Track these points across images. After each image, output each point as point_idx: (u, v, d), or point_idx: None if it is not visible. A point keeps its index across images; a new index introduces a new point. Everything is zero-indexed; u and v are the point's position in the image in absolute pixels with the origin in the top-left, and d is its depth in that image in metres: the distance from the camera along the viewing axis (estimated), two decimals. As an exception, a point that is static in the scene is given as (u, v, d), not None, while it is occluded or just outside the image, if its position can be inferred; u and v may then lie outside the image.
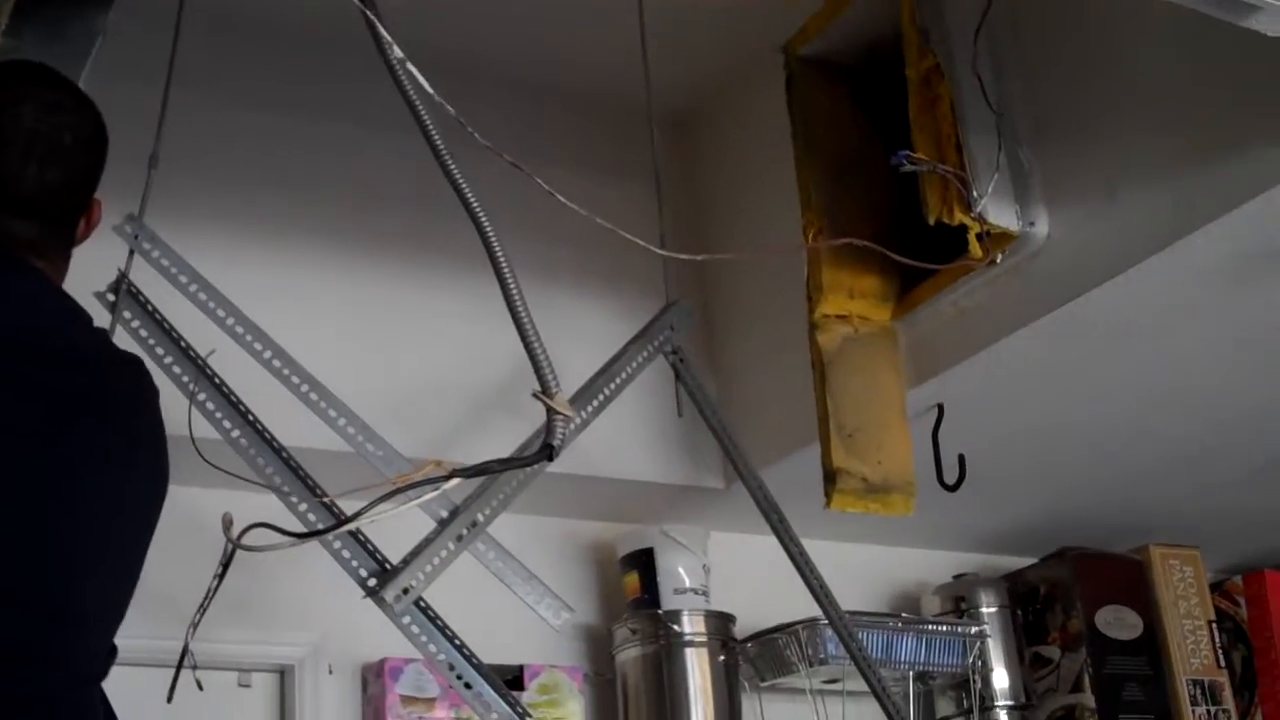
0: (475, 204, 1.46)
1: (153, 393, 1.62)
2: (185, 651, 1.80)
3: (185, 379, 1.84)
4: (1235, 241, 2.01)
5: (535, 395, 1.69)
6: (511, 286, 1.58)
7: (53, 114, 1.56)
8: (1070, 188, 2.17)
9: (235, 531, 1.56)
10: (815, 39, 2.46)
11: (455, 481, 1.71)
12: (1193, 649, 3.06)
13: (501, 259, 1.54)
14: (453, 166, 1.44)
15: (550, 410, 1.70)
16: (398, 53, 1.40)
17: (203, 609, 1.77)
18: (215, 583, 1.75)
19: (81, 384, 1.50)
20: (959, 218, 2.15)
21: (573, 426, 1.93)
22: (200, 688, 1.85)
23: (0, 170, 1.52)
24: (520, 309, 1.59)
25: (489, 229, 1.51)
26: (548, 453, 1.76)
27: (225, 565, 1.72)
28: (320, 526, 1.80)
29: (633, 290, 2.55)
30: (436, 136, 1.42)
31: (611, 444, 2.53)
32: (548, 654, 2.60)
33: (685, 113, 2.83)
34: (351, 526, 1.73)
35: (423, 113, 1.40)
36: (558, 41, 2.59)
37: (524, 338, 1.62)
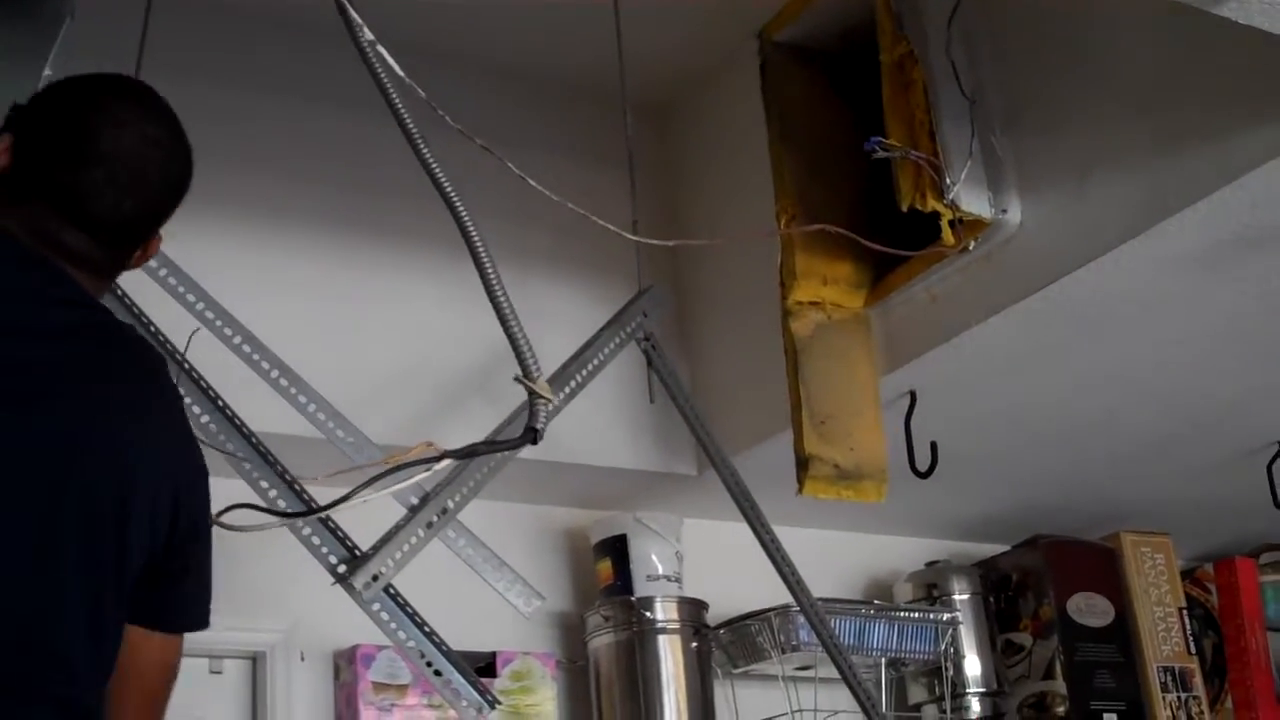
0: (449, 187, 1.46)
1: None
2: None
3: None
4: (1207, 229, 2.02)
5: (517, 379, 1.69)
6: (489, 270, 1.57)
7: (150, 148, 1.54)
8: (1043, 175, 2.17)
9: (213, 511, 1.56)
10: (790, 25, 2.46)
11: (447, 462, 1.71)
12: (1164, 636, 3.08)
13: (478, 241, 1.53)
14: (425, 150, 1.43)
15: (532, 394, 1.70)
16: (368, 35, 1.39)
17: None
18: None
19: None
20: (932, 204, 2.15)
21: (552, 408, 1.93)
22: None
23: (80, 184, 1.48)
24: (499, 293, 1.59)
25: (464, 212, 1.50)
26: (531, 436, 1.76)
27: None
28: (290, 511, 1.80)
29: (607, 276, 2.54)
30: (409, 119, 1.41)
31: (584, 430, 2.52)
32: (520, 641, 2.60)
33: (662, 99, 2.82)
34: (345, 507, 1.73)
35: (395, 97, 1.40)
36: (536, 28, 2.58)
37: (503, 322, 1.62)
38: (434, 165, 1.44)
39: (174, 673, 1.55)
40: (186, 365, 1.83)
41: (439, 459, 1.73)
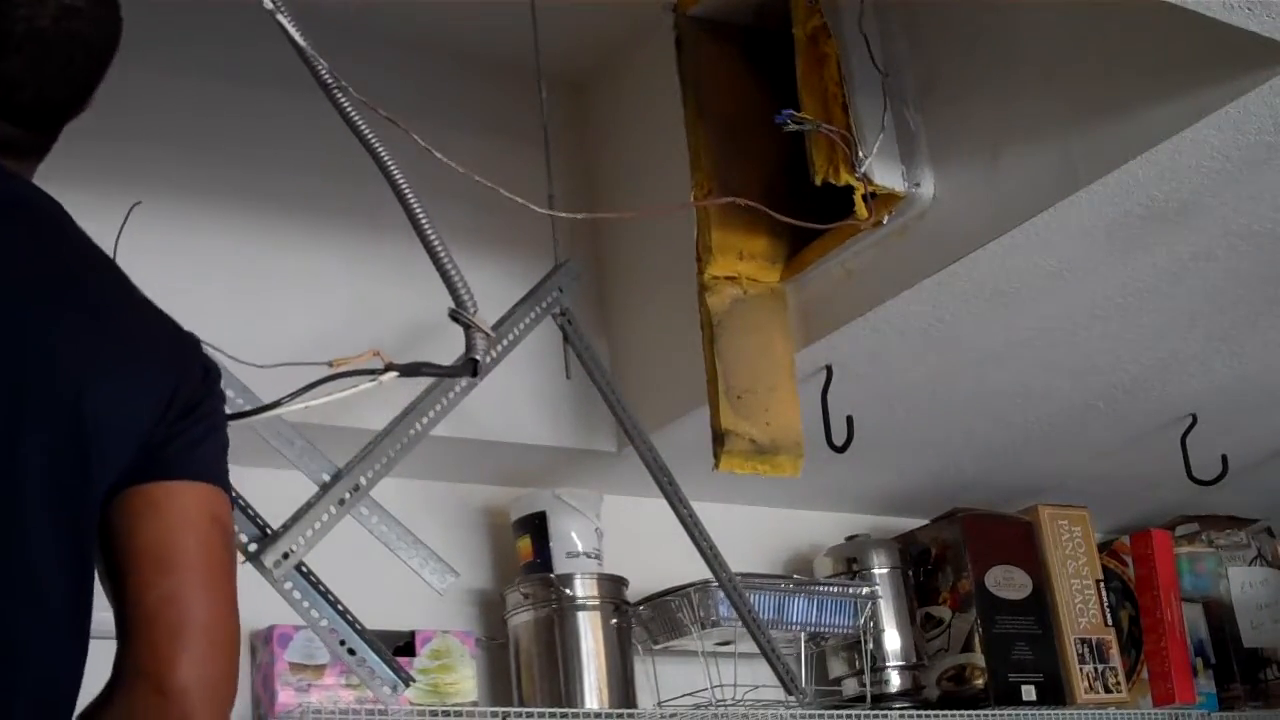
0: (365, 128, 1.43)
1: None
2: None
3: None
4: (1117, 201, 2.03)
5: (452, 313, 1.68)
6: (412, 201, 1.56)
7: (72, 20, 1.40)
8: (955, 148, 2.18)
9: None
10: (704, -1, 2.45)
11: (391, 375, 1.69)
12: (1081, 608, 3.11)
13: (396, 174, 1.51)
14: (343, 100, 1.41)
15: (471, 327, 1.68)
16: (268, 3, 1.38)
17: None
18: None
19: None
20: (845, 178, 2.16)
21: (435, 410, 1.92)
22: None
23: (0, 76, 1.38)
24: (425, 225, 1.58)
25: (378, 146, 1.47)
26: (472, 366, 1.74)
27: None
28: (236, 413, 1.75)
29: (525, 252, 2.53)
30: (326, 72, 1.39)
31: (501, 407, 2.51)
32: (440, 619, 2.58)
33: (579, 74, 2.81)
34: (280, 412, 1.71)
35: (322, 66, 1.38)
36: (450, 1, 2.56)
37: (432, 255, 1.61)
38: (344, 103, 1.42)
39: (228, 531, 1.43)
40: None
41: (384, 371, 1.70)
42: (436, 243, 1.61)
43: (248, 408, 1.78)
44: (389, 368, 1.71)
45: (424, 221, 1.56)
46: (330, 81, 1.41)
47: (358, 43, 2.51)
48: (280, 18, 1.35)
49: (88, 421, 1.31)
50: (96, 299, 1.40)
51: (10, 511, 1.27)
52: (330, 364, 1.71)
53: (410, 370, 1.75)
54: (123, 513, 1.36)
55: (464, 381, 2.00)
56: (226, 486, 1.44)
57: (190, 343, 1.47)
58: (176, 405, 1.39)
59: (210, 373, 1.47)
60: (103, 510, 1.35)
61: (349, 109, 1.44)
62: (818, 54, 2.23)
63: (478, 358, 1.73)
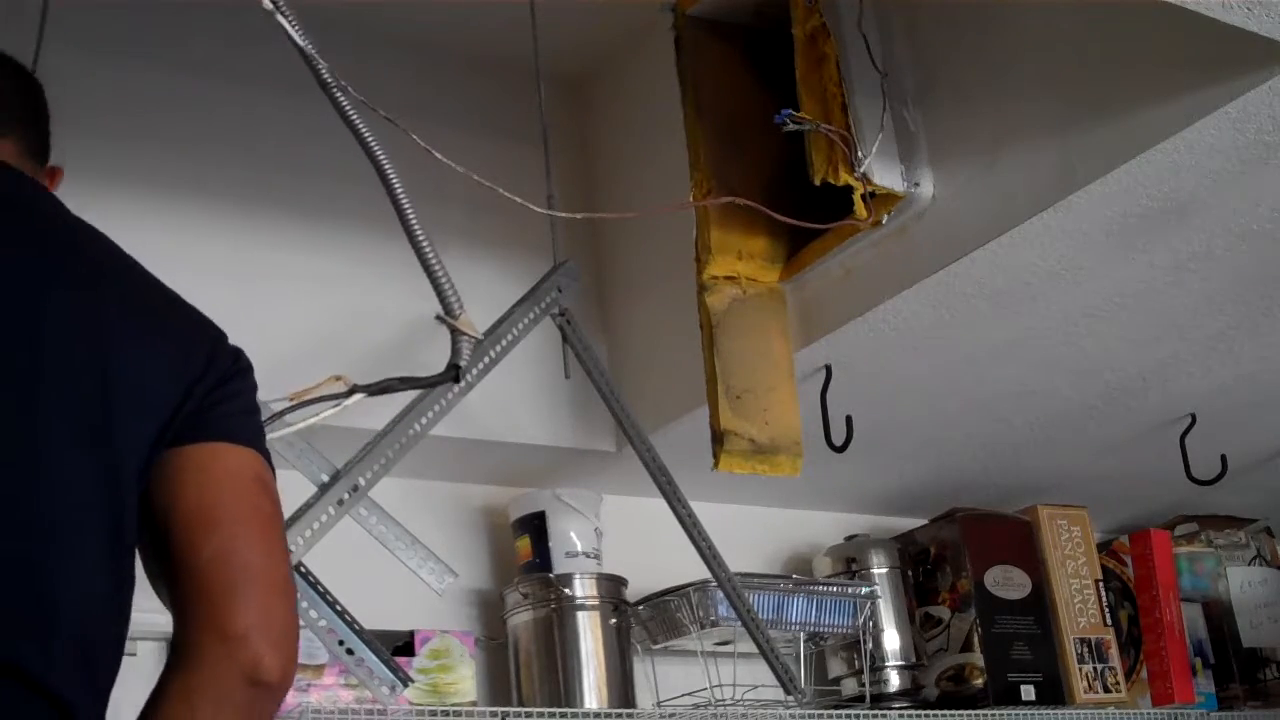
0: (364, 129, 1.43)
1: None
2: None
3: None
4: (1117, 202, 2.03)
5: (438, 318, 1.67)
6: (405, 206, 1.56)
7: None
8: (954, 149, 2.18)
9: None
10: (704, -1, 2.45)
11: (358, 397, 1.68)
12: (1080, 608, 3.11)
13: (392, 175, 1.51)
14: (342, 100, 1.41)
15: (455, 331, 1.68)
16: (268, 3, 1.38)
17: None
18: None
19: None
20: (844, 178, 2.16)
21: (434, 410, 1.91)
22: None
23: None
24: (416, 228, 1.57)
25: (376, 147, 1.47)
26: (454, 373, 1.73)
27: None
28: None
29: (524, 252, 2.53)
30: (325, 72, 1.39)
31: (501, 407, 2.51)
32: (439, 619, 2.59)
33: (579, 74, 2.81)
34: None
35: (321, 68, 1.38)
36: (453, 2, 2.56)
37: (422, 258, 1.61)
38: (343, 101, 1.42)
39: (273, 492, 1.43)
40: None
41: (349, 394, 1.70)
42: (427, 246, 1.60)
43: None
44: (354, 390, 1.70)
45: (415, 225, 1.56)
46: (330, 81, 1.41)
47: (357, 43, 2.52)
48: (280, 18, 1.35)
49: (117, 382, 1.33)
50: (127, 284, 1.45)
51: (32, 448, 1.27)
52: (289, 398, 1.71)
53: (380, 389, 1.74)
54: (167, 476, 1.36)
55: (465, 380, 2.00)
56: (268, 457, 1.45)
57: (216, 331, 1.49)
58: (209, 379, 1.41)
59: (242, 359, 1.49)
60: (147, 479, 1.36)
61: (348, 109, 1.44)
62: (817, 54, 2.23)
63: (461, 364, 1.72)
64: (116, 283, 1.44)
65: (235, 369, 1.46)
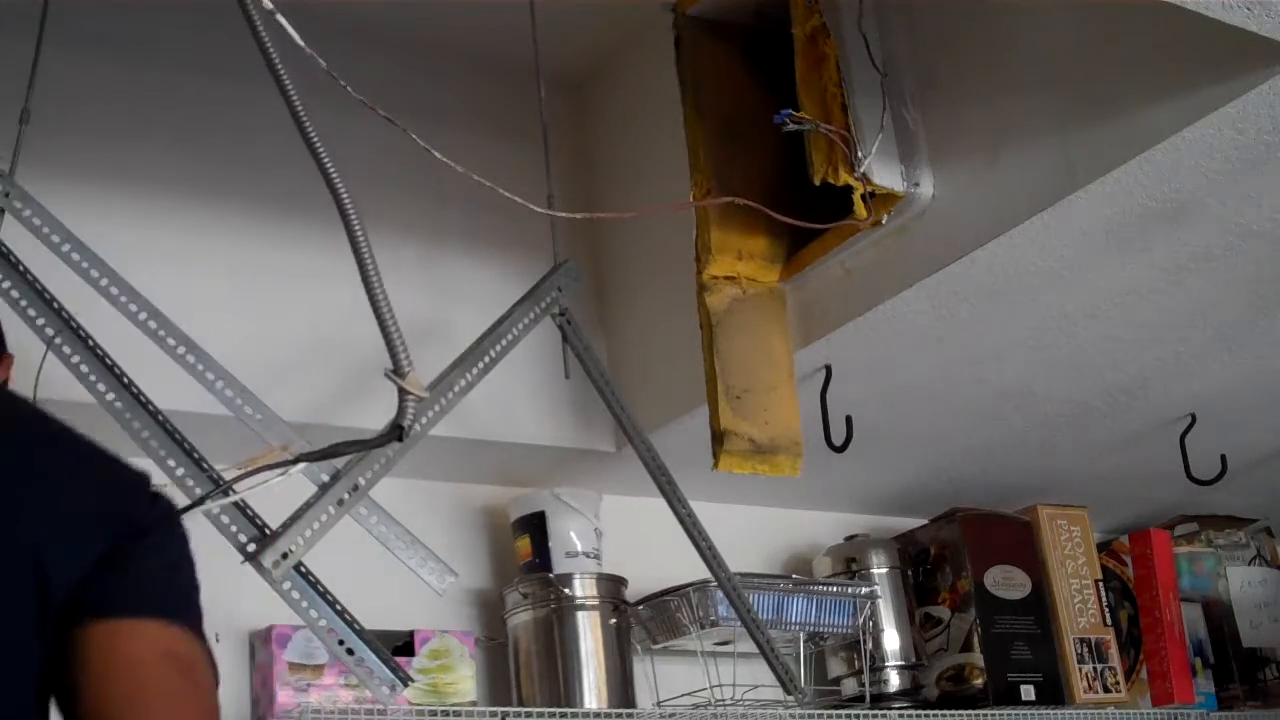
0: (330, 167, 1.43)
1: None
2: None
3: (59, 341, 1.80)
4: (1116, 202, 2.03)
5: (387, 374, 1.67)
6: (367, 261, 1.56)
7: None
8: (954, 148, 2.18)
9: None
10: (704, -2, 2.45)
11: (301, 466, 1.69)
12: (1080, 608, 3.10)
13: (358, 231, 1.51)
14: (312, 132, 1.41)
15: (402, 391, 1.68)
16: (268, 4, 1.38)
17: None
18: None
19: None
20: (844, 178, 2.15)
21: (434, 409, 1.91)
22: None
23: None
24: (375, 284, 1.57)
25: (347, 201, 1.47)
26: (397, 434, 1.74)
27: None
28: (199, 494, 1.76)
29: (524, 252, 2.53)
30: (293, 93, 1.39)
31: (500, 407, 2.52)
32: (439, 619, 2.58)
33: (579, 73, 2.81)
34: (192, 511, 1.71)
35: (280, 68, 1.37)
36: (453, 2, 2.55)
37: (377, 311, 1.60)
38: (316, 141, 1.42)
39: (192, 667, 1.32)
40: (91, 342, 1.80)
41: (294, 462, 1.71)
42: (380, 296, 1.59)
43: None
44: (299, 458, 1.71)
45: (373, 278, 1.56)
46: (334, 83, 1.41)
47: (357, 43, 2.51)
48: (280, 18, 1.35)
49: (20, 564, 1.25)
50: (29, 449, 1.36)
51: None
52: (239, 465, 1.72)
53: (326, 454, 1.75)
54: (71, 664, 1.27)
55: (464, 380, 2.00)
56: (188, 620, 1.35)
57: (134, 483, 1.41)
58: (118, 542, 1.32)
59: (162, 507, 1.41)
60: (56, 658, 1.28)
61: (311, 135, 1.42)
62: (817, 54, 2.22)
63: (404, 424, 1.73)
64: (31, 448, 1.36)
65: (153, 524, 1.37)
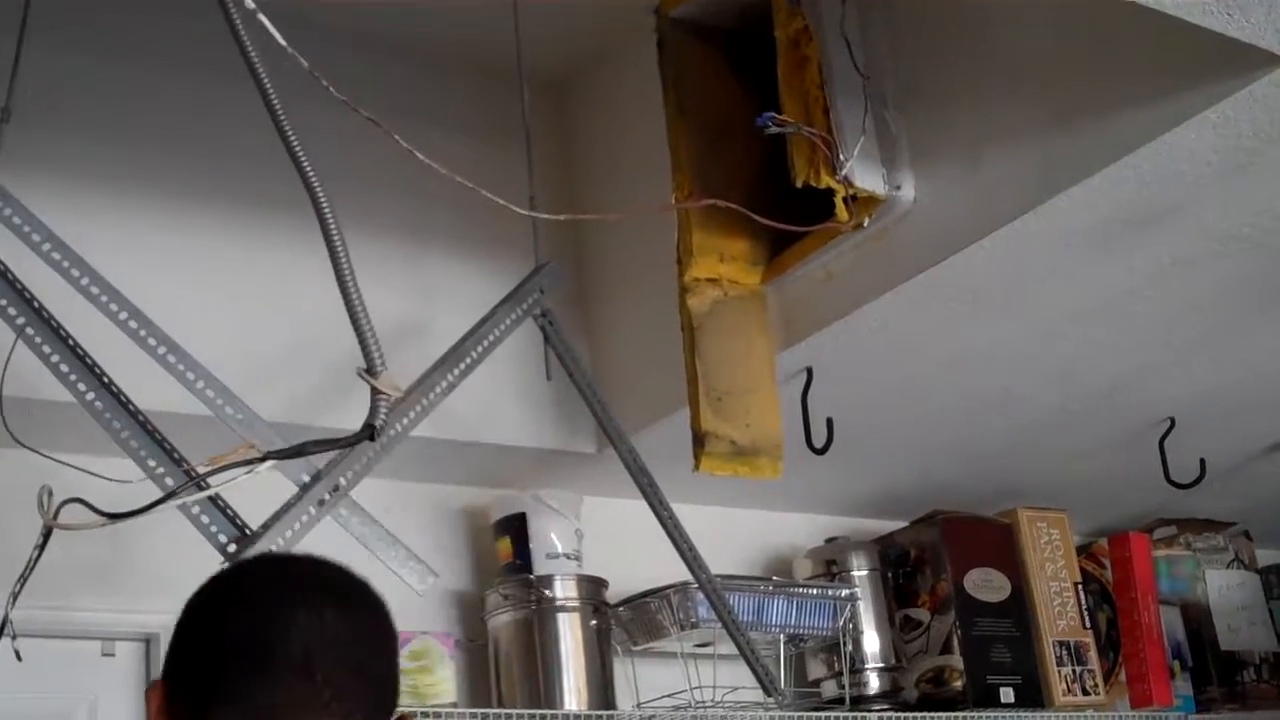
0: (307, 166, 1.43)
1: None
2: (6, 622, 1.76)
3: (38, 339, 1.79)
4: (1097, 206, 2.04)
5: (359, 373, 1.67)
6: (342, 259, 1.56)
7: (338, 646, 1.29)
8: (936, 152, 2.18)
9: (53, 505, 1.51)
10: (686, 1, 2.44)
11: (270, 463, 1.69)
12: (1059, 610, 3.11)
13: (334, 231, 1.51)
14: (287, 126, 1.41)
15: (374, 390, 1.68)
16: (249, 3, 1.37)
17: (23, 579, 1.73)
18: (35, 553, 1.71)
19: None
20: (825, 181, 2.16)
21: (416, 409, 1.91)
22: (19, 658, 1.82)
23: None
24: (349, 282, 1.57)
25: (322, 197, 1.48)
26: (369, 433, 1.74)
27: (45, 538, 1.68)
28: (110, 513, 1.74)
29: (507, 253, 2.53)
30: (271, 91, 1.39)
31: (482, 408, 2.51)
32: (420, 620, 2.57)
33: (561, 75, 2.81)
34: (159, 509, 1.70)
35: (259, 67, 1.38)
36: (436, 3, 2.55)
37: (351, 312, 1.60)
38: (294, 141, 1.42)
39: None
40: (71, 342, 1.80)
41: (261, 460, 1.71)
42: (354, 295, 1.59)
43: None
44: (267, 456, 1.71)
45: (348, 276, 1.56)
46: (317, 83, 1.41)
47: (340, 44, 2.50)
48: (262, 16, 1.35)
49: None
50: None
51: None
52: (206, 461, 1.72)
53: (293, 453, 1.74)
54: None
55: (445, 381, 2.00)
56: None
57: None
58: None
59: None
60: None
61: (289, 133, 1.42)
62: (799, 57, 2.23)
63: (377, 423, 1.73)
64: None
65: None
